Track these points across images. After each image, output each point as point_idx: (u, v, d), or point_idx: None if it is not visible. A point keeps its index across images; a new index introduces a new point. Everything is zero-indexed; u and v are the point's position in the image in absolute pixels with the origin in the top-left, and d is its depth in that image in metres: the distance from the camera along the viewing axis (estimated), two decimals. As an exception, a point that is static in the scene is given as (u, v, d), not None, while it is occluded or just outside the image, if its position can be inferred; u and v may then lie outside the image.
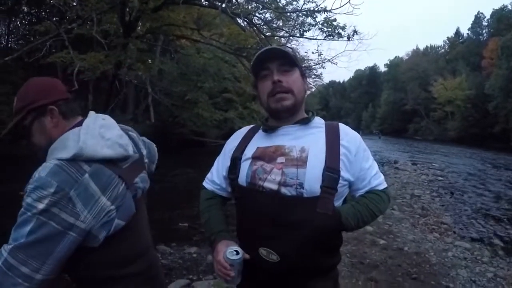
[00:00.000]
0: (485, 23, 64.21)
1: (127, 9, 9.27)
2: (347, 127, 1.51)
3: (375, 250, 5.49)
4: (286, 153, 1.37)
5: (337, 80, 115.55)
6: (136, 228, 1.43)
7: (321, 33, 10.54)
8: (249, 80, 14.75)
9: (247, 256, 1.35)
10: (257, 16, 11.04)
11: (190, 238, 6.19)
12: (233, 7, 9.64)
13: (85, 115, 1.38)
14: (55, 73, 16.52)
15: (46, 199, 1.09)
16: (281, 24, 12.45)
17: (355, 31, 10.42)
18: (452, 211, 9.02)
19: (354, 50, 11.27)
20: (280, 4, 10.75)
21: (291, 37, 12.28)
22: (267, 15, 12.09)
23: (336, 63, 12.13)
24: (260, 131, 1.55)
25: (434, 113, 56.81)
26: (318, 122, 1.52)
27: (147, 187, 1.54)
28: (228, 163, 1.52)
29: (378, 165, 1.53)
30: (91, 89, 19.01)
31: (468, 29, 67.79)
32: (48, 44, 9.09)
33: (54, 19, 15.58)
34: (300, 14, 10.78)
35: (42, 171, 1.13)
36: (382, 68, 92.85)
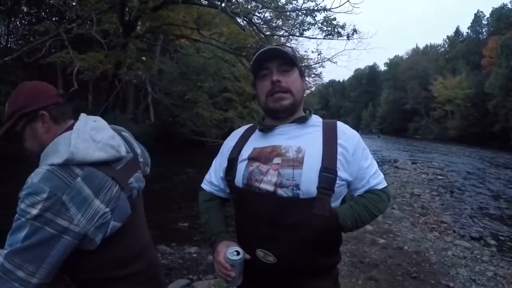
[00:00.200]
0: (484, 22, 64.19)
1: (127, 9, 9.27)
2: (345, 125, 1.50)
3: (375, 249, 5.49)
4: (282, 154, 1.36)
5: (337, 79, 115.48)
6: (134, 228, 1.42)
7: (320, 32, 10.57)
8: (248, 79, 14.73)
9: (247, 256, 1.34)
10: (256, 16, 11.05)
11: (190, 238, 6.18)
12: (232, 6, 9.63)
13: (77, 118, 1.38)
14: (54, 73, 16.58)
15: (39, 204, 1.10)
16: (280, 23, 12.48)
17: (354, 30, 10.44)
18: (452, 210, 9.03)
19: (353, 49, 11.27)
20: (279, 3, 10.73)
21: (290, 36, 12.30)
22: (267, 14, 12.12)
23: (335, 62, 12.14)
24: (257, 131, 1.54)
25: (434, 112, 56.81)
26: (316, 120, 1.50)
27: (143, 187, 1.53)
28: (225, 164, 1.51)
29: (378, 165, 1.51)
30: (91, 89, 19.04)
31: (468, 28, 67.81)
32: (48, 44, 9.09)
33: (54, 19, 15.57)
34: (300, 13, 10.79)
35: (34, 177, 1.14)
36: (382, 67, 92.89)
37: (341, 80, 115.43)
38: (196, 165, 13.40)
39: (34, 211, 1.09)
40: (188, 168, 13.51)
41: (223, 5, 8.79)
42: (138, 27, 11.21)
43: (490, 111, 42.11)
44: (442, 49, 74.64)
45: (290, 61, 1.44)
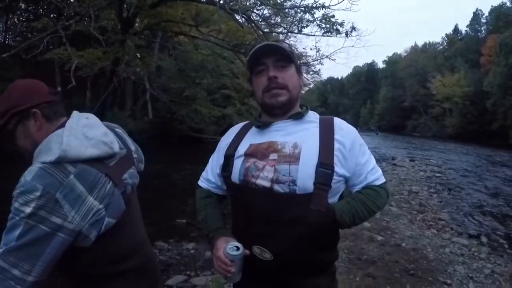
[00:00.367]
0: (483, 20, 64.13)
1: (125, 6, 9.25)
2: (343, 121, 1.49)
3: (373, 246, 5.50)
4: (279, 150, 1.35)
5: (335, 77, 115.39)
6: (129, 224, 1.43)
7: (319, 29, 10.59)
8: (247, 76, 14.75)
9: (247, 252, 1.33)
10: (255, 12, 11.06)
11: (188, 234, 6.19)
12: (231, 3, 9.64)
13: (69, 115, 1.38)
14: (52, 70, 16.51)
15: (33, 202, 1.10)
16: (279, 20, 12.47)
17: (353, 28, 10.47)
18: (449, 208, 9.04)
19: (352, 46, 11.30)
20: (278, 0, 10.72)
21: (289, 33, 12.32)
22: (265, 11, 12.12)
23: (334, 60, 12.17)
24: (254, 128, 1.53)
25: (432, 110, 56.77)
26: (312, 116, 1.50)
27: (137, 182, 1.53)
28: (222, 160, 1.51)
29: (376, 162, 1.50)
30: (89, 86, 18.99)
31: (467, 26, 67.69)
32: (46, 40, 9.06)
33: (52, 15, 15.52)
34: (298, 10, 10.78)
35: (27, 175, 1.14)
36: (381, 65, 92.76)
37: (339, 78, 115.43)
38: (194, 162, 13.39)
39: (28, 210, 1.09)
40: (186, 164, 13.50)
41: (221, 1, 8.79)
42: (137, 24, 11.19)
43: (489, 109, 42.08)
44: (441, 47, 74.57)
45: (287, 57, 1.43)
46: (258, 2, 10.86)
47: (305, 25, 11.05)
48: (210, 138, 19.31)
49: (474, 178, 14.26)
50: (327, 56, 12.23)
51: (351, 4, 9.24)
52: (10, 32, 21.09)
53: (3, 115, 1.29)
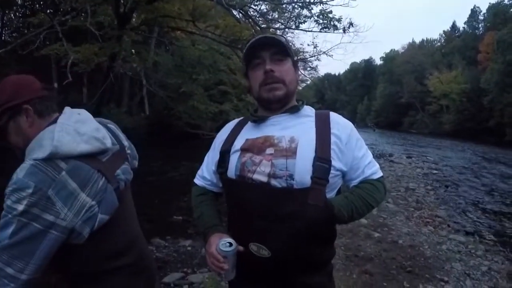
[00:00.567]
0: (481, 17, 64.16)
1: (122, 1, 9.21)
2: (339, 115, 1.48)
3: (370, 243, 5.50)
4: (275, 144, 1.34)
5: (333, 73, 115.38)
6: (122, 220, 1.42)
7: (316, 25, 10.58)
8: (243, 71, 14.75)
9: (240, 248, 1.32)
10: (252, 8, 11.03)
11: (185, 231, 6.17)
12: (228, -1, 9.59)
13: (62, 111, 1.36)
14: (49, 66, 16.45)
15: (25, 200, 1.09)
16: (276, 16, 12.46)
17: (350, 23, 10.47)
18: (446, 205, 9.05)
19: (350, 42, 11.34)
20: (275, -4, 10.70)
21: (286, 29, 12.28)
22: (263, 7, 12.08)
23: (331, 55, 12.17)
24: (250, 122, 1.52)
25: (430, 106, 56.80)
26: (309, 111, 1.49)
27: (131, 178, 1.52)
28: (217, 157, 1.49)
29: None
30: (86, 82, 18.94)
31: (464, 23, 67.74)
32: (42, 36, 9.02)
33: (48, 11, 15.44)
34: (296, 6, 10.77)
35: (19, 173, 1.13)
36: (378, 61, 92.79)
37: (337, 74, 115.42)
38: (191, 158, 13.35)
39: (20, 207, 1.08)
40: (183, 161, 13.47)
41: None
42: (133, 19, 11.16)
43: (486, 106, 42.15)
44: (439, 43, 74.59)
45: (284, 51, 1.42)
46: (256, -3, 10.84)
47: (302, 21, 11.07)
48: (207, 134, 19.27)
49: (470, 175, 14.29)
50: (324, 52, 12.25)
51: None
52: (6, 28, 20.99)
53: None
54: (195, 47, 16.14)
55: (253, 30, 10.33)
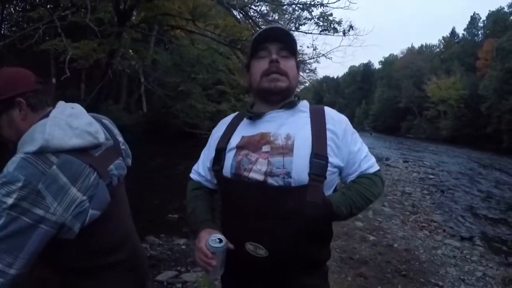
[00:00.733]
0: (480, 24, 64.46)
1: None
2: (333, 110, 1.46)
3: (365, 246, 5.49)
4: (271, 141, 1.32)
5: (331, 76, 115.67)
6: (115, 216, 1.40)
7: (316, 27, 10.56)
8: (243, 72, 14.74)
9: (230, 245, 1.30)
10: (253, 9, 11.00)
11: (179, 230, 6.15)
12: (229, -2, 9.57)
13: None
14: (48, 61, 16.41)
15: (15, 193, 1.07)
16: (277, 17, 12.43)
17: (350, 26, 10.44)
18: (442, 209, 9.08)
19: (349, 45, 11.25)
20: (276, -3, 10.70)
21: (286, 31, 12.24)
22: (263, 7, 12.06)
23: (331, 58, 12.14)
24: (245, 119, 1.50)
25: (427, 112, 56.89)
26: (303, 105, 1.47)
27: (124, 174, 1.51)
28: (213, 154, 1.47)
29: None
30: (84, 78, 18.89)
31: (464, 30, 68.07)
32: (41, 31, 8.98)
33: (48, 6, 15.39)
34: (296, 7, 10.76)
35: (9, 166, 1.11)
36: (377, 65, 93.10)
37: (335, 77, 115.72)
38: (188, 157, 13.28)
39: (10, 201, 1.06)
40: (179, 159, 13.44)
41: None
42: (133, 17, 11.12)
43: (483, 113, 42.24)
44: (437, 49, 74.82)
45: (291, 47, 1.41)
46: (257, -2, 10.83)
47: (302, 22, 11.07)
48: (204, 134, 19.25)
49: (467, 181, 14.34)
50: (323, 55, 12.22)
51: (350, 2, 9.21)
52: (6, 22, 20.93)
53: None
54: (195, 46, 16.12)
55: (253, 31, 10.31)
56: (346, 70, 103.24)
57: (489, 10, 60.61)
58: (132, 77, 21.10)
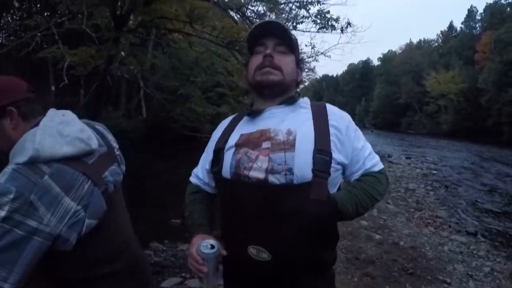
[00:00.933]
0: (478, 17, 64.56)
1: (118, 3, 9.17)
2: (335, 107, 1.42)
3: (371, 245, 5.45)
4: (272, 137, 1.27)
5: (330, 74, 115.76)
6: (113, 224, 1.36)
7: (314, 25, 10.55)
8: (242, 73, 14.70)
9: (223, 252, 1.27)
10: (249, 9, 11.00)
11: (183, 235, 6.07)
12: (225, 0, 9.56)
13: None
14: (46, 68, 16.43)
15: (7, 206, 1.04)
16: (274, 17, 12.40)
17: (348, 23, 10.45)
18: (447, 205, 9.03)
19: (347, 42, 11.29)
20: (273, -4, 10.70)
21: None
22: (260, 7, 12.05)
23: (329, 56, 12.17)
24: (245, 117, 1.46)
25: (427, 107, 56.95)
26: (304, 102, 1.43)
27: (120, 180, 1.47)
28: (211, 155, 1.43)
29: None
30: (83, 84, 18.90)
31: (462, 23, 68.17)
32: (39, 39, 8.98)
33: (45, 14, 15.40)
34: (293, 6, 10.75)
35: (1, 178, 1.08)
36: (375, 62, 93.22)
37: (334, 75, 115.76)
38: (189, 161, 13.22)
39: (2, 213, 1.03)
40: (180, 163, 13.41)
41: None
42: (131, 21, 11.11)
43: (483, 106, 42.30)
44: (436, 44, 74.89)
45: (288, 43, 1.38)
46: (253, -2, 10.83)
47: (300, 21, 11.07)
48: (205, 136, 19.25)
49: (470, 175, 14.31)
50: (322, 53, 12.23)
51: (346, -2, 9.22)
52: (3, 31, 20.97)
53: None
54: (192, 49, 16.13)
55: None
56: (345, 68, 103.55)
57: (486, 3, 60.66)
58: (131, 82, 21.13)
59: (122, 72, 15.97)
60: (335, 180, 1.28)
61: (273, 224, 1.21)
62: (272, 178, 1.21)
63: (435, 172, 14.55)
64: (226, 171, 1.31)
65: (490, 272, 4.84)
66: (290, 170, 1.19)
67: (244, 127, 1.40)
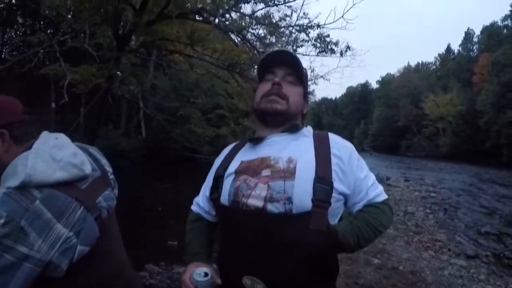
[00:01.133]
0: (475, 40, 65.32)
1: (121, 23, 9.28)
2: (338, 136, 1.41)
3: (370, 269, 5.39)
4: (272, 165, 1.25)
5: (329, 97, 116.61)
6: (106, 250, 1.33)
7: (314, 49, 10.62)
8: (242, 96, 14.75)
9: (218, 281, 1.22)
10: (250, 32, 11.10)
11: (180, 257, 6.01)
12: (226, 23, 9.67)
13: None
14: (48, 85, 16.54)
15: None
16: (274, 40, 12.52)
17: (348, 47, 10.51)
18: (446, 228, 8.96)
19: (347, 66, 11.36)
20: (273, 20, 10.80)
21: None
22: (260, 31, 12.17)
23: (328, 79, 12.22)
24: (247, 145, 1.45)
25: (426, 129, 57.21)
26: (307, 131, 1.42)
27: (114, 205, 1.43)
28: (211, 183, 1.41)
29: None
30: (84, 103, 18.98)
31: (459, 46, 68.91)
32: (41, 55, 9.06)
33: (49, 31, 15.54)
34: (293, 30, 10.85)
35: None
36: (374, 85, 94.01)
37: (333, 98, 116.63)
38: (188, 182, 13.28)
39: None
40: (179, 184, 13.38)
41: (216, 21, 8.81)
42: (132, 42, 11.21)
43: (482, 127, 42.48)
44: (434, 66, 75.67)
45: (298, 74, 1.39)
46: (254, 21, 10.91)
47: (300, 44, 11.15)
48: (204, 158, 19.25)
49: (469, 197, 14.25)
50: (321, 76, 12.30)
51: (346, 22, 9.31)
52: (7, 46, 21.13)
53: None
54: (193, 71, 16.24)
55: (251, 54, 10.39)
56: (344, 90, 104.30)
57: (483, 25, 61.46)
58: (131, 102, 21.21)
59: (122, 91, 16.04)
60: (336, 211, 1.25)
61: (270, 254, 1.18)
62: (270, 207, 1.18)
63: (434, 194, 14.48)
64: (224, 198, 1.29)
65: (491, 296, 4.80)
66: (289, 199, 1.17)
67: (245, 154, 1.39)
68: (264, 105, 1.36)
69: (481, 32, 60.66)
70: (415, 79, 68.29)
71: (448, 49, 73.18)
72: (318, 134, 1.40)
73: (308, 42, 10.73)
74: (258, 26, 11.34)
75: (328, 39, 10.23)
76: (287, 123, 1.39)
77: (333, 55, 10.55)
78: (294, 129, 1.38)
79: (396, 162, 38.46)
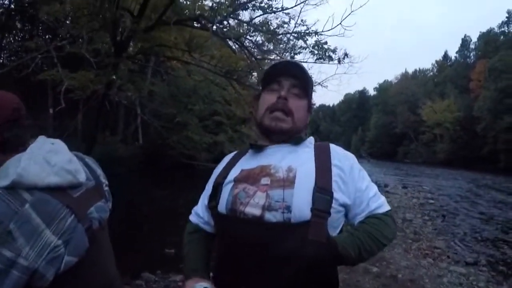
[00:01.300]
0: (472, 46, 65.70)
1: (119, 29, 9.27)
2: (339, 147, 1.38)
3: (368, 278, 5.35)
4: (272, 174, 1.22)
5: (327, 104, 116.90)
6: (95, 263, 1.27)
7: (311, 56, 10.62)
8: (239, 103, 14.73)
9: None
10: (248, 39, 11.10)
11: (176, 266, 5.95)
12: (224, 30, 9.67)
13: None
14: (46, 91, 16.55)
15: None
16: (272, 47, 12.52)
17: (345, 54, 10.49)
18: (444, 235, 8.96)
19: (344, 73, 11.30)
20: (271, 27, 10.80)
21: (281, 60, 12.37)
22: (258, 38, 12.17)
23: (326, 86, 12.18)
24: (248, 153, 1.43)
25: (423, 136, 57.44)
26: (308, 141, 1.40)
27: (106, 217, 1.37)
28: (210, 191, 1.38)
29: None
30: (81, 109, 18.96)
31: (456, 52, 69.33)
32: (38, 61, 9.03)
33: (47, 36, 15.53)
34: (291, 37, 10.85)
35: None
36: (372, 92, 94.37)
37: (331, 105, 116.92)
38: (185, 189, 13.24)
39: None
40: (176, 191, 13.34)
41: (214, 27, 8.81)
42: (130, 48, 11.20)
43: (479, 134, 42.70)
44: (431, 73, 76.10)
45: (304, 86, 1.37)
46: (251, 28, 10.92)
47: (297, 51, 11.15)
48: (201, 164, 19.22)
49: (467, 204, 14.27)
50: (319, 83, 12.27)
51: (345, 29, 9.31)
52: (5, 51, 21.12)
53: None
54: (191, 77, 16.23)
55: (249, 61, 10.38)
56: (341, 97, 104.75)
57: (480, 32, 61.76)
58: (129, 109, 21.19)
59: (120, 98, 16.02)
60: (336, 222, 1.22)
61: (268, 264, 1.14)
62: (268, 215, 1.15)
63: (432, 201, 14.49)
64: (222, 206, 1.26)
65: (490, 304, 4.78)
66: (288, 208, 1.13)
67: (246, 163, 1.36)
68: (269, 123, 1.34)
69: (478, 39, 61.13)
70: (413, 85, 68.63)
71: (445, 56, 73.68)
72: (319, 145, 1.37)
73: (305, 49, 10.73)
74: (256, 33, 11.35)
75: (326, 46, 10.23)
76: (290, 138, 1.37)
77: (331, 62, 10.54)
78: (296, 140, 1.36)
79: (393, 168, 38.52)
